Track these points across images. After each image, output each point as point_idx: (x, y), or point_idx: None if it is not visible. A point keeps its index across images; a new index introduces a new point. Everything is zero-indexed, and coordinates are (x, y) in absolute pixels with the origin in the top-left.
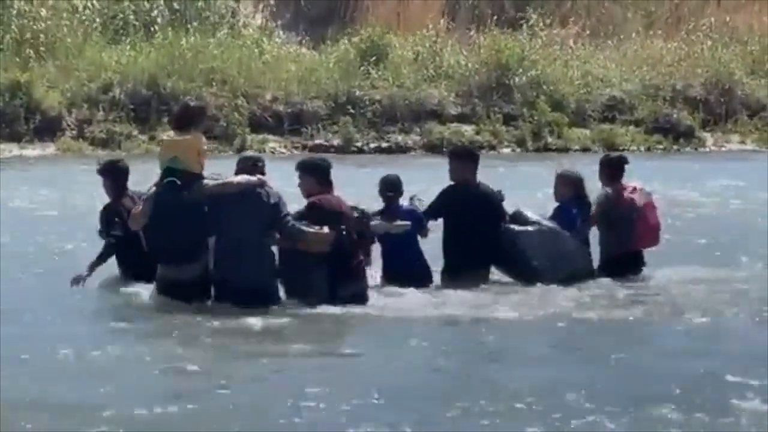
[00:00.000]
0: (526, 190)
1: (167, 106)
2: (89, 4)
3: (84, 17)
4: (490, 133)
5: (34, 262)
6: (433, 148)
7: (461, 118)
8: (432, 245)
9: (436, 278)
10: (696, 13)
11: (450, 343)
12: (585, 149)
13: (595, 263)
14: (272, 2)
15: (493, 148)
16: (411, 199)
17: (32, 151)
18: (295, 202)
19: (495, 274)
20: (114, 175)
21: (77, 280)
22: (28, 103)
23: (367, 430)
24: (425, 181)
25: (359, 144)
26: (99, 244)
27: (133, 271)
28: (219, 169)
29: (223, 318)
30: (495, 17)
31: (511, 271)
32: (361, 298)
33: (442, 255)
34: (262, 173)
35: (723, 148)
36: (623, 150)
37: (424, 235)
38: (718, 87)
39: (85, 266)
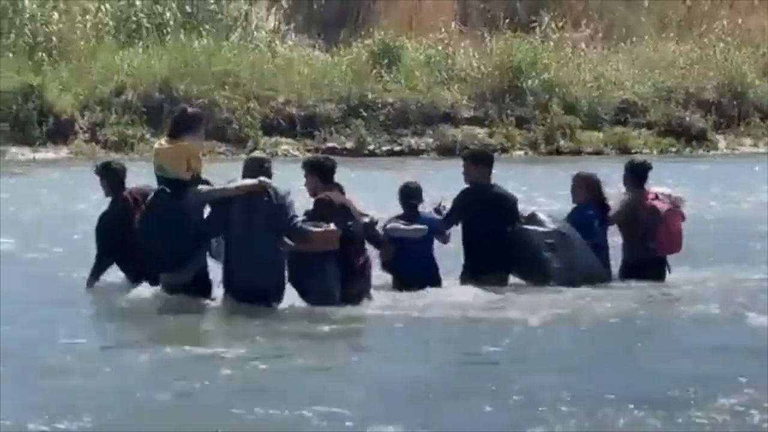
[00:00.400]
0: (537, 191)
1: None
2: (102, 8)
3: (96, 20)
4: (503, 136)
5: (45, 264)
6: (445, 151)
7: (474, 121)
8: (446, 249)
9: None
10: (709, 16)
11: (462, 345)
12: (597, 152)
13: (616, 268)
14: (285, 5)
15: (505, 151)
16: (438, 206)
17: (45, 154)
18: (303, 200)
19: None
20: (108, 175)
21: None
22: (41, 107)
23: (377, 431)
24: (438, 183)
25: (372, 147)
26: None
27: (134, 273)
28: (232, 173)
29: (230, 317)
30: (507, 20)
31: (528, 274)
32: (367, 296)
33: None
34: (269, 175)
35: (735, 151)
36: (635, 153)
37: (445, 241)
38: (730, 90)
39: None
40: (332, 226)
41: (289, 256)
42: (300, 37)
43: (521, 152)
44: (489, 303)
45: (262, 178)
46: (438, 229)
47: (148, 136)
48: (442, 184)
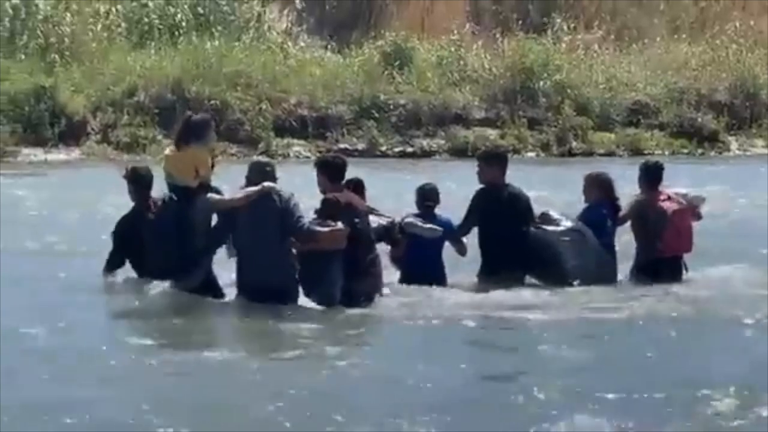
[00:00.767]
0: (550, 191)
1: (192, 110)
2: (114, 9)
3: (108, 22)
4: (515, 138)
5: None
6: (457, 152)
7: (486, 122)
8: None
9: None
10: (721, 17)
11: (476, 345)
12: (610, 153)
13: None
14: (298, 6)
15: (517, 152)
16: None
17: (57, 155)
18: (316, 201)
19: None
20: (136, 182)
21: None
22: (53, 108)
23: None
24: (451, 185)
25: (384, 148)
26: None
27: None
28: (242, 179)
29: (239, 317)
30: (519, 22)
31: (545, 274)
32: (378, 293)
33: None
34: (273, 178)
35: (747, 152)
36: (648, 154)
37: (462, 253)
38: (743, 91)
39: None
40: (339, 224)
41: (297, 256)
42: (312, 38)
43: (533, 153)
44: (503, 303)
45: (266, 183)
46: (453, 234)
47: (159, 137)
48: (455, 185)
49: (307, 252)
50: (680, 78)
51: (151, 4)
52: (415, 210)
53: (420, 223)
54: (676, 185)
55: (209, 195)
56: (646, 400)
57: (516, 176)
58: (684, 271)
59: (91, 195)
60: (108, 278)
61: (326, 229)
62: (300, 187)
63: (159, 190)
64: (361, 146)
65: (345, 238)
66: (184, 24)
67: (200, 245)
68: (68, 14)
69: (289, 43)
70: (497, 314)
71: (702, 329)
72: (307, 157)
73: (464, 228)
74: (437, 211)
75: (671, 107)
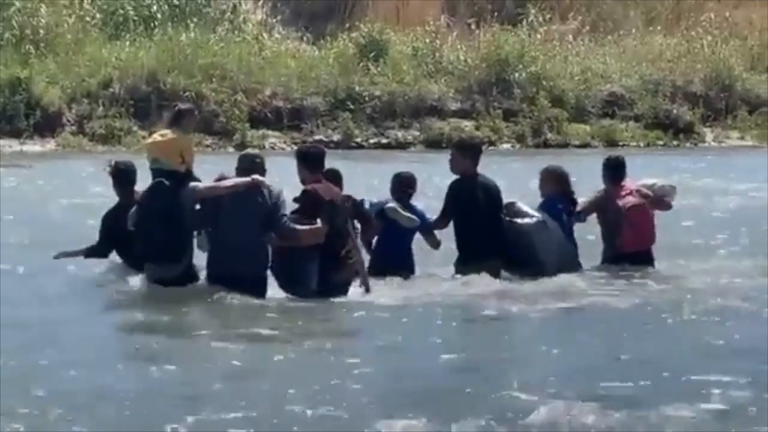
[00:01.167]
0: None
1: (167, 101)
2: (88, 0)
3: (83, 13)
4: (490, 129)
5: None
6: (433, 143)
7: (461, 114)
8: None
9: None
10: (696, 8)
11: (453, 334)
12: (585, 145)
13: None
14: None
15: (492, 143)
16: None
17: (32, 146)
18: (296, 192)
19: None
20: (120, 178)
21: (58, 256)
22: (28, 99)
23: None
24: (426, 176)
25: (359, 140)
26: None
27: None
28: (220, 167)
29: (216, 307)
30: (495, 13)
31: (519, 265)
32: (351, 285)
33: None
34: (262, 172)
35: (723, 144)
36: (623, 146)
37: (435, 246)
38: (718, 83)
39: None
40: (319, 222)
41: (272, 249)
42: (287, 29)
43: (508, 145)
44: (480, 292)
45: (256, 176)
46: (428, 227)
47: (135, 128)
48: (429, 177)
49: (285, 246)
50: (655, 70)
51: None
52: (388, 197)
53: (401, 210)
54: (650, 176)
55: (196, 183)
56: (623, 388)
57: (490, 170)
58: (651, 266)
59: (69, 185)
60: (94, 268)
61: (306, 227)
62: (276, 177)
63: (145, 184)
64: (336, 138)
65: (324, 234)
66: (159, 16)
67: (187, 231)
68: (43, 6)
69: (265, 35)
70: (474, 303)
71: (675, 319)
72: (282, 149)
73: (441, 222)
74: (413, 201)
75: (646, 99)
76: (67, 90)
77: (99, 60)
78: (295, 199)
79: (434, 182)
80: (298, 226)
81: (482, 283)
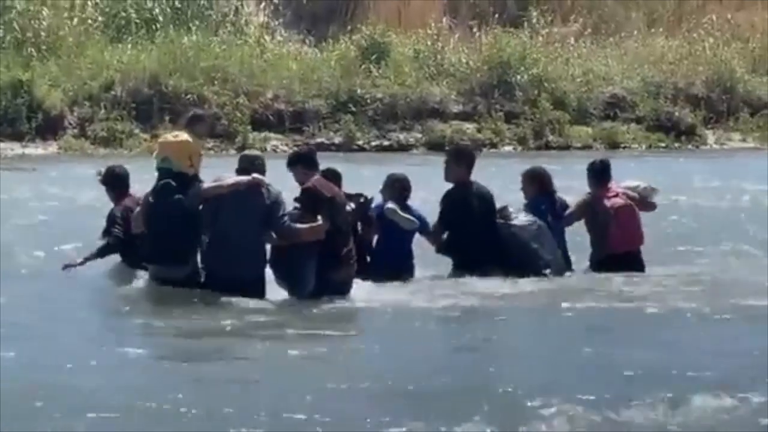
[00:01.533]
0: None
1: (169, 104)
2: (90, 3)
3: (85, 16)
4: (492, 131)
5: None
6: (434, 146)
7: (463, 116)
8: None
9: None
10: (698, 11)
11: (448, 337)
12: (586, 147)
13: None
14: (274, 0)
15: (494, 146)
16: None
17: (34, 149)
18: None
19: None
20: (111, 183)
21: (68, 266)
22: (30, 102)
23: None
24: (427, 179)
25: (361, 142)
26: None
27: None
28: (221, 169)
29: (213, 312)
30: (496, 15)
31: (520, 269)
32: (350, 284)
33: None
34: (262, 172)
35: (724, 146)
36: (624, 147)
37: (438, 247)
38: (719, 85)
39: (81, 257)
40: (320, 219)
41: (271, 247)
42: (289, 32)
43: (510, 147)
44: (476, 293)
45: (256, 175)
46: (429, 231)
47: (137, 131)
48: (431, 180)
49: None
50: (657, 72)
51: None
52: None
53: (400, 212)
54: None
55: (200, 185)
56: (622, 388)
57: (489, 172)
58: (641, 267)
59: (71, 188)
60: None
61: (306, 226)
62: (277, 180)
63: (141, 189)
64: (338, 140)
65: (324, 231)
66: (161, 18)
67: (195, 233)
68: (45, 8)
69: (266, 38)
70: (474, 305)
71: (668, 319)
72: (284, 151)
73: (438, 232)
74: (410, 203)
75: (648, 101)
76: (69, 93)
77: (101, 63)
78: (296, 199)
79: (436, 185)
80: (298, 225)
81: (481, 285)
